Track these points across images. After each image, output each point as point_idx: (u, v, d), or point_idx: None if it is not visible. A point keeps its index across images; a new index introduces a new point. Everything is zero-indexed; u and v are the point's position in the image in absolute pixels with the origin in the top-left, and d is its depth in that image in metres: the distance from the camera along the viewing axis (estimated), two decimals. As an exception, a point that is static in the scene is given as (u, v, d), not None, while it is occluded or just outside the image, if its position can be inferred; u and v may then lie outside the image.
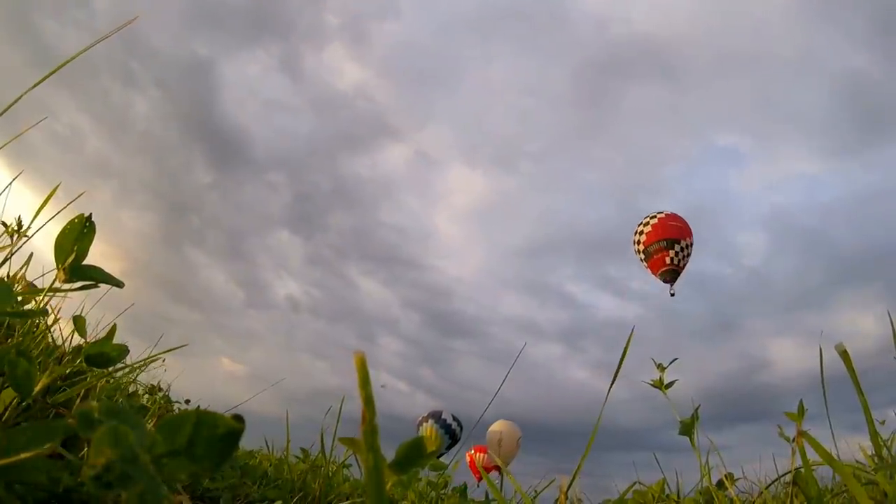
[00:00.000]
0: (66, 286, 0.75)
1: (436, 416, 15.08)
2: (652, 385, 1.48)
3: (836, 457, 0.88)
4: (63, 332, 1.22)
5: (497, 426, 15.17)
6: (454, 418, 15.24)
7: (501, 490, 1.31)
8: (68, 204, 1.05)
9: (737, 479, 1.35)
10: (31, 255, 1.19)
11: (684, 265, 14.14)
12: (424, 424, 14.96)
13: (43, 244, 1.13)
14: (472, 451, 14.50)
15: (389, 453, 0.35)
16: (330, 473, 1.45)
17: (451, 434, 15.08)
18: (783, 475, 1.20)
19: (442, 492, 1.58)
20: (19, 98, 0.84)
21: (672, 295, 13.99)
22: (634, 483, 1.41)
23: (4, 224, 1.32)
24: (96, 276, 0.75)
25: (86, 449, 0.44)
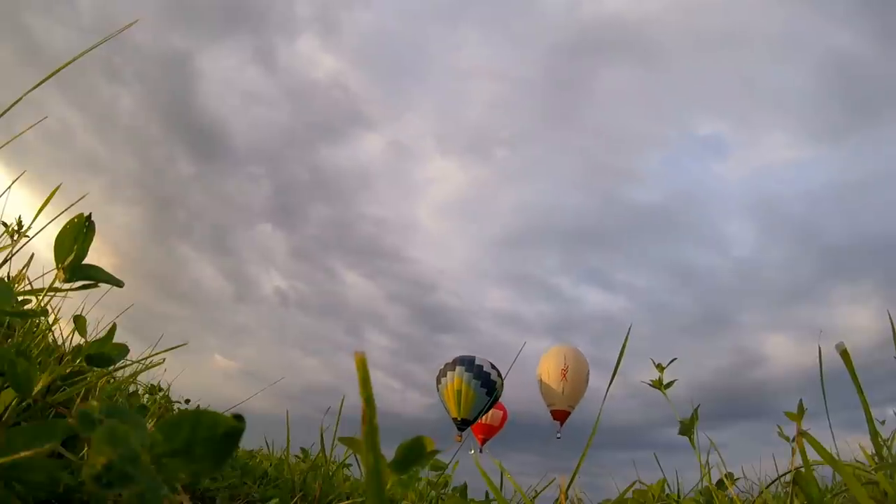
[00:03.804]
0: (66, 286, 0.75)
1: (467, 362, 10.34)
2: (652, 385, 1.48)
3: (835, 456, 0.88)
4: (63, 331, 1.22)
5: (557, 353, 10.15)
6: (492, 366, 10.35)
7: (502, 489, 1.31)
8: (70, 206, 1.05)
9: (736, 479, 1.35)
10: (32, 256, 1.19)
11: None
12: (450, 374, 10.36)
13: (42, 244, 1.14)
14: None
15: (386, 452, 0.35)
16: (330, 473, 1.45)
17: (490, 386, 10.23)
18: (783, 475, 1.20)
19: (442, 491, 1.58)
20: (20, 99, 0.84)
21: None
22: (634, 483, 1.41)
23: (5, 224, 1.32)
24: (96, 276, 0.75)
25: (86, 449, 0.44)
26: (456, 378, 10.38)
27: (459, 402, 10.28)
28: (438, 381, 10.74)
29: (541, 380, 10.57)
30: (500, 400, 10.90)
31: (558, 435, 10.08)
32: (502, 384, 10.40)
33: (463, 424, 10.50)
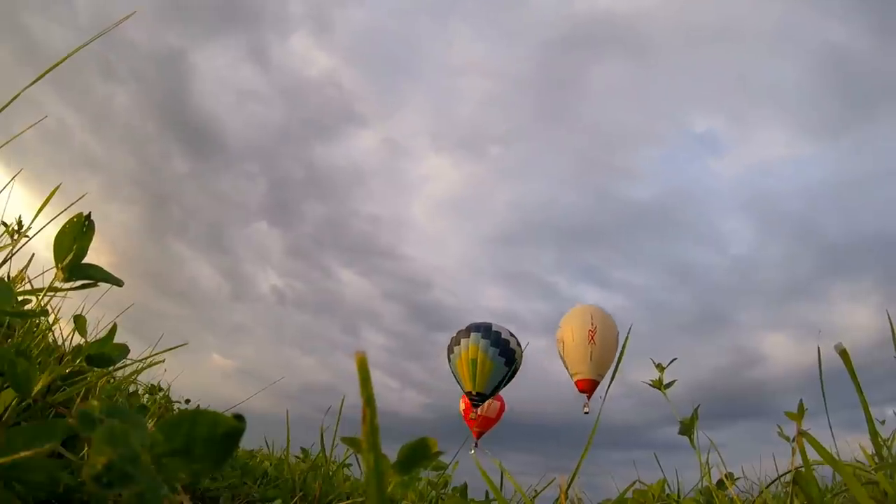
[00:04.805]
0: (66, 285, 0.75)
1: (483, 329, 9.09)
2: (652, 385, 1.48)
3: (835, 456, 0.88)
4: (63, 331, 1.22)
5: (582, 312, 8.58)
6: (511, 333, 9.13)
7: (502, 489, 1.31)
8: (70, 206, 1.05)
9: (736, 479, 1.35)
10: (32, 256, 1.19)
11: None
12: (464, 342, 9.07)
13: (42, 244, 1.14)
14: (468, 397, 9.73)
15: (384, 451, 0.35)
16: (330, 473, 1.45)
17: (509, 355, 8.95)
18: (783, 475, 1.20)
19: (442, 491, 1.58)
20: (17, 96, 0.84)
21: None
22: (634, 483, 1.41)
23: (5, 224, 1.32)
24: (96, 275, 0.75)
25: (86, 449, 0.44)
26: (471, 346, 8.95)
27: (475, 373, 8.93)
28: (450, 351, 9.44)
29: (563, 344, 8.66)
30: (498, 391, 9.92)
31: (586, 410, 8.38)
32: (522, 354, 9.11)
33: (478, 399, 9.42)
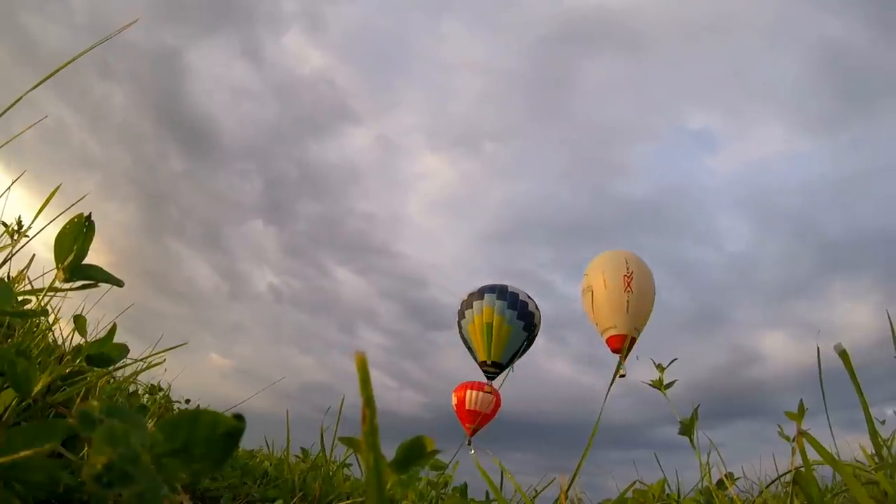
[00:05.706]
0: (66, 286, 0.75)
1: (498, 290, 8.07)
2: (652, 386, 1.48)
3: (835, 456, 0.88)
4: (63, 331, 1.22)
5: (615, 257, 7.02)
6: (528, 296, 8.10)
7: (502, 490, 1.31)
8: (70, 206, 1.05)
9: (736, 479, 1.35)
10: (33, 256, 1.19)
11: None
12: (477, 304, 7.94)
13: (41, 245, 1.14)
14: (463, 390, 8.78)
15: (384, 451, 0.35)
16: (330, 473, 1.45)
17: (528, 319, 7.92)
18: (783, 475, 1.20)
19: (442, 491, 1.58)
20: (20, 99, 0.84)
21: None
22: (634, 482, 1.41)
23: (5, 224, 1.32)
24: (96, 276, 0.75)
25: (86, 449, 0.44)
26: (485, 308, 7.78)
27: (490, 339, 7.81)
28: (461, 317, 8.31)
29: (591, 294, 7.15)
30: (494, 385, 8.97)
31: (622, 373, 6.68)
32: (541, 318, 8.07)
33: (494, 369, 8.33)
